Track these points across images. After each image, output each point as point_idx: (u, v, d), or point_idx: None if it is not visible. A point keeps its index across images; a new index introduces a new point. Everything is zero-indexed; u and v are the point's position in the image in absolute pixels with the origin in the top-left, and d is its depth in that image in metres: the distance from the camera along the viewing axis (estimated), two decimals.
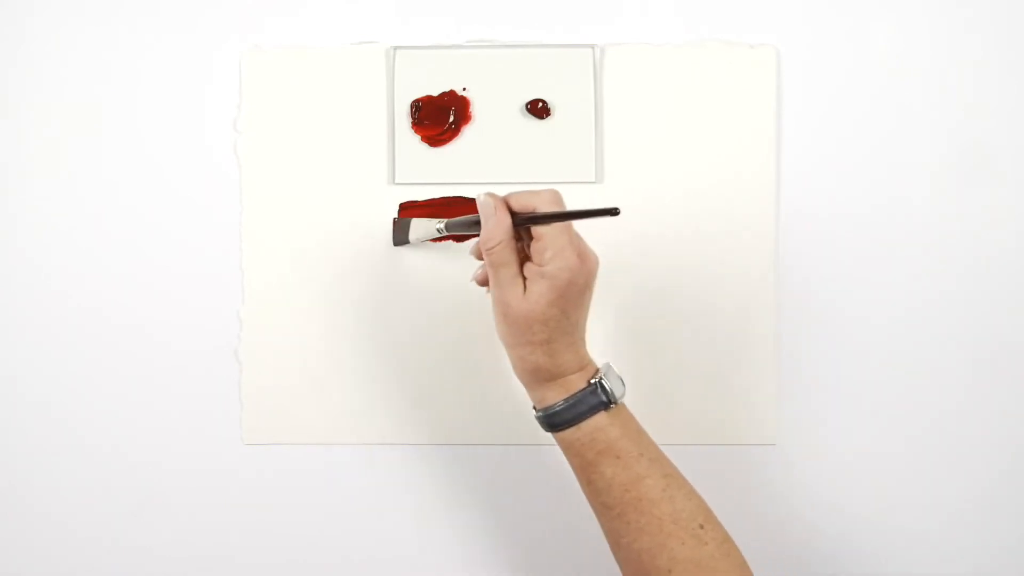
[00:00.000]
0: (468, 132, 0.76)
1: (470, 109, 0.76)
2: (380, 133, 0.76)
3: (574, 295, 0.60)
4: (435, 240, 0.74)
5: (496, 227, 0.61)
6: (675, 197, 0.75)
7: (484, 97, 0.76)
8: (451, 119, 0.75)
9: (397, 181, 0.76)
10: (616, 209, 0.57)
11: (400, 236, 0.75)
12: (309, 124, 0.76)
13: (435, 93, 0.76)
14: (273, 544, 0.76)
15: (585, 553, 0.75)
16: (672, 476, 0.61)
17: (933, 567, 0.75)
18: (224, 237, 0.76)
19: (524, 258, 0.62)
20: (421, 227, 0.73)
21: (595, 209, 0.58)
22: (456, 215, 0.75)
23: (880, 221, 0.75)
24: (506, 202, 0.62)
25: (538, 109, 0.75)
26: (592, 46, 0.75)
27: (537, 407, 0.63)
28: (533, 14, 0.76)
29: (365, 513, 0.76)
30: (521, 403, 0.75)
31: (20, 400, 0.76)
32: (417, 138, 0.76)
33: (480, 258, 0.64)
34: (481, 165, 0.75)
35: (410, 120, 0.76)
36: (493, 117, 0.75)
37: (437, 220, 0.71)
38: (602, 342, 0.73)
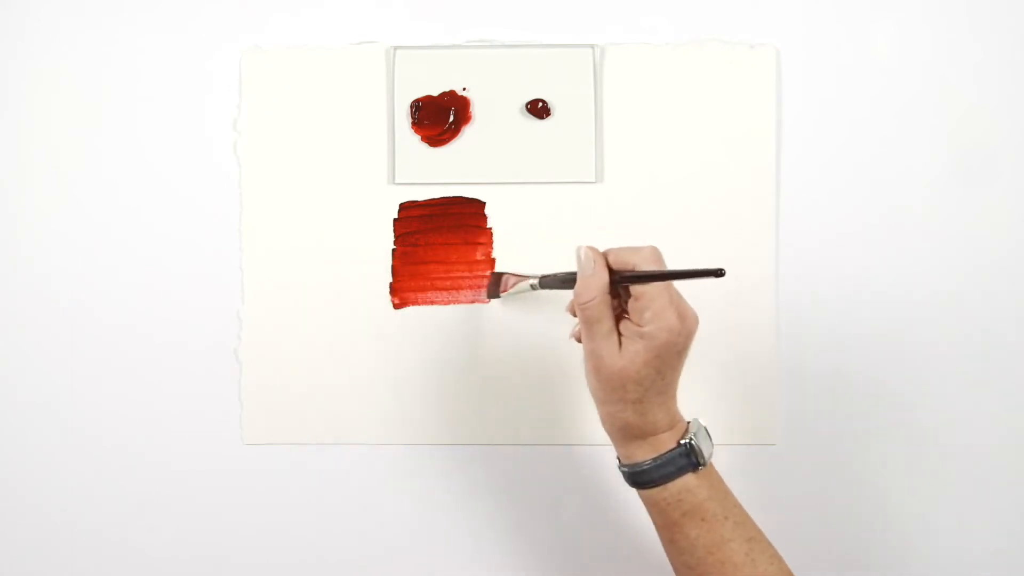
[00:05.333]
0: (468, 132, 0.76)
1: (470, 109, 0.76)
2: (380, 133, 0.76)
3: (671, 356, 0.59)
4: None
5: (592, 281, 0.60)
6: (675, 197, 0.75)
7: (484, 97, 0.76)
8: (451, 119, 0.75)
9: (397, 181, 0.76)
10: (722, 271, 0.56)
11: (493, 290, 0.74)
12: (309, 124, 0.76)
13: (435, 93, 0.76)
14: (273, 544, 0.76)
15: (585, 552, 0.75)
16: (756, 540, 0.61)
17: (933, 567, 0.75)
18: (224, 237, 0.76)
19: (620, 314, 0.61)
20: (515, 283, 0.72)
21: (699, 270, 0.57)
22: (456, 215, 0.76)
23: (880, 220, 0.75)
24: (605, 257, 0.61)
25: (538, 109, 0.75)
26: (592, 46, 0.75)
27: (623, 462, 0.62)
28: (533, 14, 0.76)
29: (365, 513, 0.76)
30: (520, 403, 0.75)
31: (20, 400, 0.76)
32: (417, 138, 0.76)
33: (575, 314, 0.62)
34: (481, 165, 0.75)
35: (410, 120, 0.76)
36: (493, 117, 0.75)
37: (532, 276, 0.70)
38: None
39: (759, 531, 0.61)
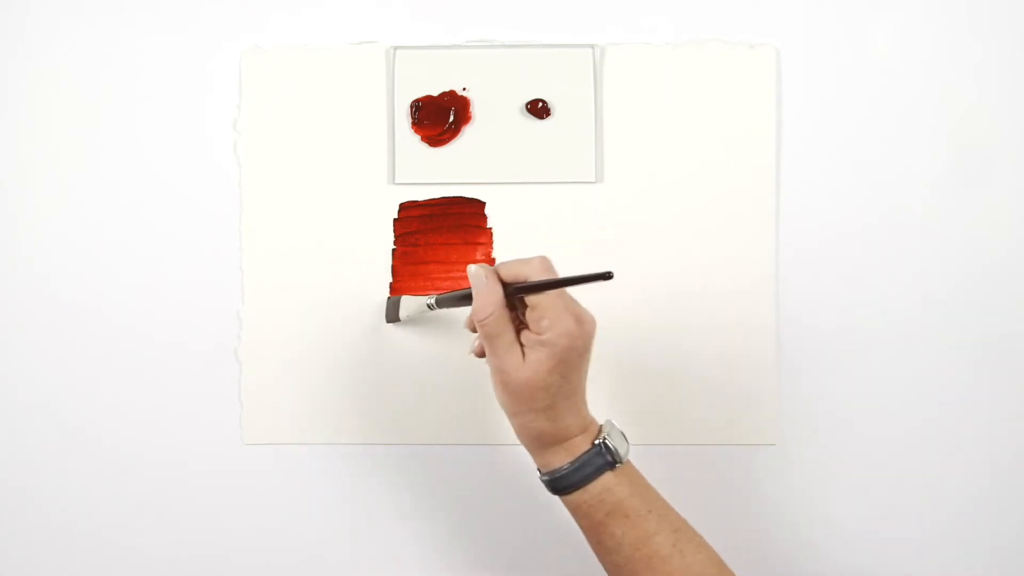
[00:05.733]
0: (468, 132, 0.76)
1: (470, 109, 0.76)
2: (380, 133, 0.76)
3: (574, 360, 0.60)
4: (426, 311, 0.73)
5: (488, 298, 0.61)
6: (675, 197, 0.75)
7: (484, 97, 0.76)
8: (451, 119, 0.75)
9: (397, 181, 0.76)
10: (609, 273, 0.57)
11: (391, 313, 0.75)
12: (309, 124, 0.76)
13: (435, 93, 0.76)
14: (273, 544, 0.76)
15: (584, 552, 0.75)
16: (681, 530, 0.61)
17: (933, 567, 0.75)
18: (224, 237, 0.76)
19: (519, 326, 0.62)
20: (411, 304, 0.73)
21: (587, 275, 0.58)
22: (456, 215, 0.76)
23: (880, 221, 0.75)
24: (496, 272, 0.62)
25: (538, 109, 0.75)
26: (592, 46, 0.75)
27: (542, 471, 0.63)
28: (533, 14, 0.76)
29: (364, 513, 0.76)
30: None
31: (20, 400, 0.76)
32: (417, 138, 0.76)
33: (474, 330, 0.63)
34: (481, 165, 0.75)
35: (410, 120, 0.76)
36: (493, 117, 0.75)
37: (427, 296, 0.71)
38: (603, 342, 0.72)
39: (684, 521, 0.62)
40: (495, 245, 0.76)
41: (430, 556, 0.76)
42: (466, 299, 0.63)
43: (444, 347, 0.76)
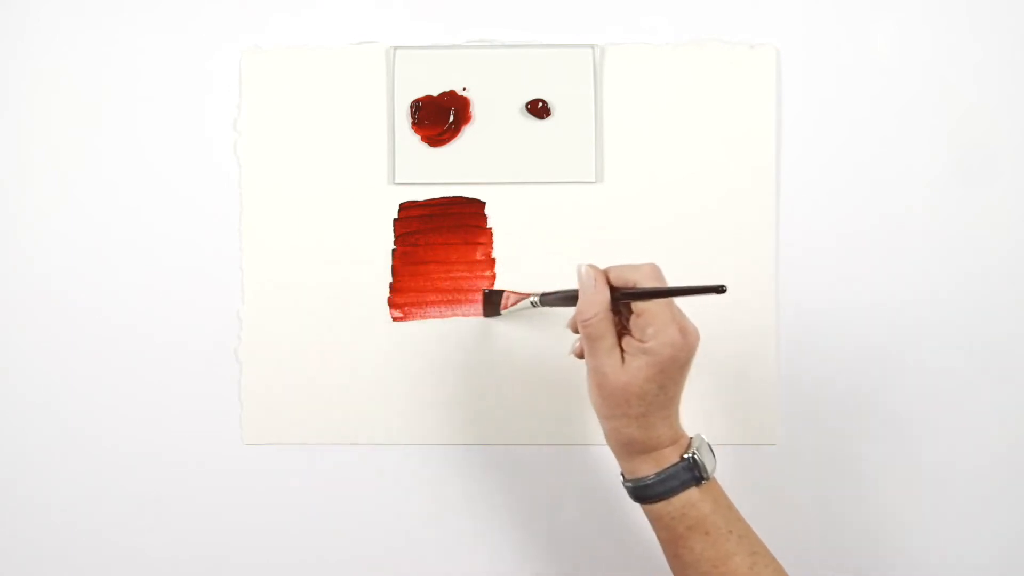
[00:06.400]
0: (468, 132, 0.76)
1: (470, 109, 0.76)
2: (380, 133, 0.76)
3: (674, 371, 0.60)
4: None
5: (594, 299, 0.60)
6: (675, 197, 0.75)
7: (484, 97, 0.76)
8: (451, 119, 0.75)
9: (397, 181, 0.76)
10: (723, 287, 0.57)
11: (491, 308, 0.74)
12: (309, 124, 0.76)
13: (435, 93, 0.76)
14: (273, 544, 0.76)
15: (584, 552, 0.75)
16: (759, 554, 0.61)
17: (933, 567, 0.75)
18: (224, 237, 0.76)
19: (621, 331, 0.61)
20: (515, 301, 0.73)
21: (698, 287, 0.58)
22: (456, 215, 0.76)
23: (880, 221, 0.75)
24: (605, 275, 0.61)
25: (538, 109, 0.75)
26: (592, 46, 0.75)
27: (627, 477, 0.62)
28: (533, 14, 0.76)
29: (365, 513, 0.76)
30: (522, 403, 0.75)
31: (20, 400, 0.76)
32: (417, 138, 0.76)
33: (576, 331, 0.63)
34: (481, 165, 0.75)
35: (410, 120, 0.76)
36: (493, 117, 0.75)
37: (532, 294, 0.71)
38: None
39: (762, 545, 0.62)
40: (495, 245, 0.76)
41: (429, 556, 0.76)
42: (572, 299, 0.63)
43: (444, 348, 0.76)
